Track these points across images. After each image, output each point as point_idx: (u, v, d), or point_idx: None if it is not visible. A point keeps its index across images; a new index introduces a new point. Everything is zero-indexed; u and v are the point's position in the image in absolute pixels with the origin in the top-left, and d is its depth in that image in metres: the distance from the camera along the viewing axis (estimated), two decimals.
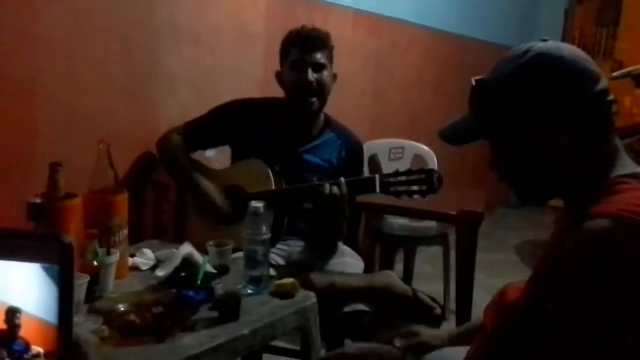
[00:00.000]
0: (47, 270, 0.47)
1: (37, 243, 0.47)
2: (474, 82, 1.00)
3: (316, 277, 1.76)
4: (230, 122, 1.99)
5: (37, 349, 0.49)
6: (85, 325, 1.07)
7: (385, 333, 1.79)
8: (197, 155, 2.02)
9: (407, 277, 3.17)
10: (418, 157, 3.14)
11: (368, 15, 3.02)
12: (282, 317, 1.32)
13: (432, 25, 3.81)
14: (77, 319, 1.11)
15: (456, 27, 4.12)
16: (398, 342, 1.32)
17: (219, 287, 1.32)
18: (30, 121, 1.69)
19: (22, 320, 0.48)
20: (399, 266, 3.25)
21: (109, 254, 1.43)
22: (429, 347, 1.30)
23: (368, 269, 2.48)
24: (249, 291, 1.42)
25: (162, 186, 2.00)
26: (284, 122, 2.01)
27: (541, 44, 0.96)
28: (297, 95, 1.94)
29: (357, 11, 2.95)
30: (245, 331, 1.24)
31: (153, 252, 1.63)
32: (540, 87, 0.93)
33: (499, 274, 3.32)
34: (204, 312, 1.31)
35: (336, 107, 2.15)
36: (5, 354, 0.49)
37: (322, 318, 1.58)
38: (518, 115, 0.95)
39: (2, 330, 0.49)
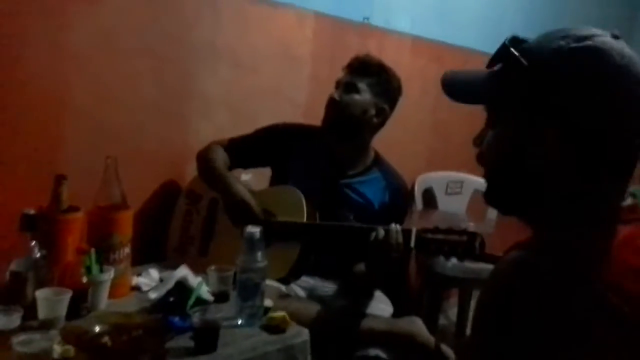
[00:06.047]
0: None
1: None
2: (508, 39, 0.81)
3: (333, 315, 1.63)
4: (275, 143, 1.95)
5: None
6: (38, 344, 1.01)
7: None
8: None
9: (462, 321, 2.94)
10: (478, 193, 2.92)
11: (428, 43, 2.88)
12: (265, 353, 1.21)
13: None
14: (33, 336, 1.06)
15: None
16: None
17: (196, 315, 1.22)
18: (56, 133, 1.70)
19: None
20: (455, 310, 3.01)
21: (101, 271, 1.38)
22: None
23: (416, 311, 2.28)
24: (239, 322, 1.32)
25: (196, 196, 1.96)
26: (331, 152, 1.94)
27: (608, 40, 0.76)
28: (324, 115, 1.88)
29: (416, 38, 2.82)
30: None
31: (159, 272, 1.57)
32: (574, 87, 0.74)
33: None
34: (183, 340, 1.21)
35: (391, 137, 2.03)
36: None
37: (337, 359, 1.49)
38: (537, 99, 0.77)
39: None
